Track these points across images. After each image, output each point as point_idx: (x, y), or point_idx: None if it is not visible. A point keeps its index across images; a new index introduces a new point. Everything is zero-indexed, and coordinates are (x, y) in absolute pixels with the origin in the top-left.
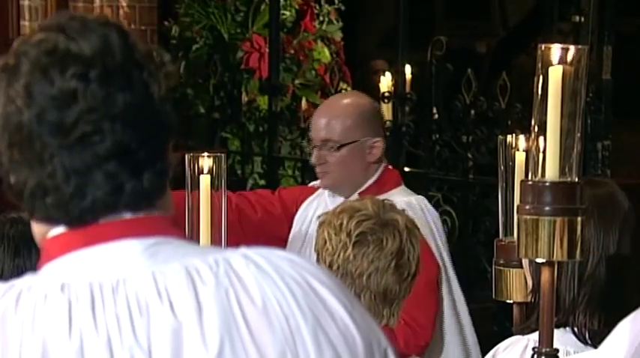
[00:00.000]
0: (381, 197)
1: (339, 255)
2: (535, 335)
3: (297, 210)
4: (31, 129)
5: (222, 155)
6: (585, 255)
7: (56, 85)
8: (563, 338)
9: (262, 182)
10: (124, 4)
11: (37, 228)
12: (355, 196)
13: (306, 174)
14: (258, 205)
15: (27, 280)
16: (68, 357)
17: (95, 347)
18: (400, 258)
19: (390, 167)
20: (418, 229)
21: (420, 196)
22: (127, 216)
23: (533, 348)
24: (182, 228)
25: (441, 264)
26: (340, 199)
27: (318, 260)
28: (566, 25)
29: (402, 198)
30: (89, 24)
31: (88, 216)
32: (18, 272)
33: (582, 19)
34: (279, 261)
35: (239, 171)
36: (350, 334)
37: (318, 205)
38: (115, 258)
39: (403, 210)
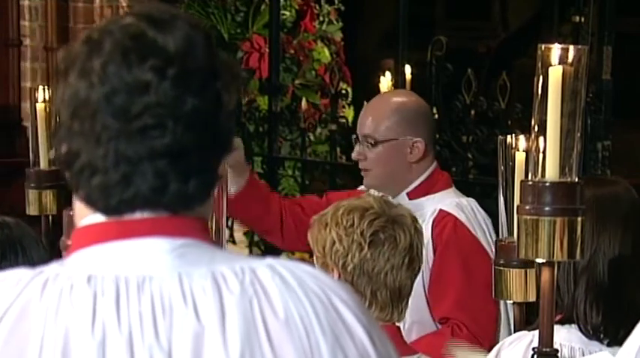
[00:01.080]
0: (431, 197)
1: (354, 256)
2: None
3: None
4: (97, 108)
5: None
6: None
7: (133, 71)
8: (568, 335)
9: (262, 182)
10: (124, 4)
11: (78, 210)
12: (404, 196)
13: (306, 174)
14: (310, 210)
15: (55, 268)
16: (89, 350)
17: (117, 343)
18: (411, 253)
19: (439, 169)
20: (418, 221)
21: (470, 198)
22: (162, 214)
23: (533, 348)
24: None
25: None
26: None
27: (318, 261)
28: (567, 25)
29: (452, 198)
30: (179, 21)
31: (126, 208)
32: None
33: (582, 19)
34: (303, 276)
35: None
36: (367, 356)
37: None
38: (143, 254)
39: (399, 205)
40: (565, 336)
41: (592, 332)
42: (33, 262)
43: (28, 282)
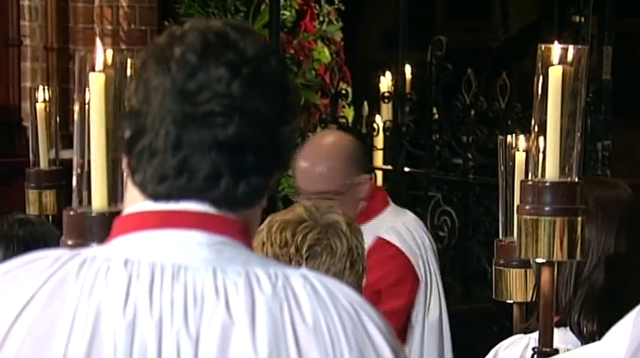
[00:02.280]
0: (370, 224)
1: None
2: (536, 334)
3: None
4: (168, 91)
5: None
6: (585, 255)
7: (209, 63)
8: (564, 338)
9: None
10: (124, 4)
11: (129, 195)
12: None
13: None
14: None
15: (93, 250)
16: (119, 329)
17: (146, 326)
18: (352, 257)
19: (374, 187)
20: (355, 221)
21: (406, 217)
22: (206, 208)
23: (533, 348)
24: (251, 240)
25: (427, 278)
26: None
27: None
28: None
29: (389, 223)
30: (258, 36)
31: (174, 196)
32: None
33: (582, 20)
34: (334, 290)
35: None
36: None
37: None
38: (181, 244)
39: (331, 208)
40: (561, 339)
41: (588, 338)
42: None
43: (66, 261)
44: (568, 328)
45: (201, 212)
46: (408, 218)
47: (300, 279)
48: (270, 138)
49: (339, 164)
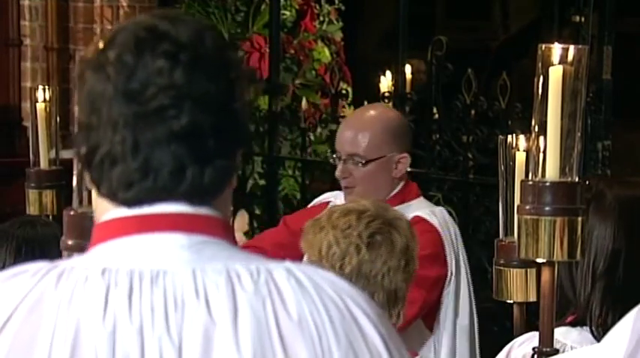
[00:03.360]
0: (406, 205)
1: (351, 258)
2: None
3: None
4: (113, 96)
5: None
6: (602, 251)
7: (146, 58)
8: (579, 338)
9: (262, 182)
10: (124, 4)
11: (99, 207)
12: None
13: (306, 174)
14: (266, 243)
15: (72, 261)
16: (100, 340)
17: (127, 334)
18: (407, 256)
19: (408, 179)
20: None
21: (440, 207)
22: (183, 208)
23: (533, 348)
24: (233, 232)
25: (455, 270)
26: None
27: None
28: (567, 25)
29: (425, 208)
30: (188, 18)
31: (146, 198)
32: None
33: (582, 20)
34: (320, 281)
35: (239, 171)
36: None
37: None
38: (160, 249)
39: (394, 209)
40: (576, 338)
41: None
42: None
43: (44, 274)
44: (584, 327)
45: (177, 213)
46: (442, 210)
47: (284, 273)
48: (224, 117)
49: (376, 132)
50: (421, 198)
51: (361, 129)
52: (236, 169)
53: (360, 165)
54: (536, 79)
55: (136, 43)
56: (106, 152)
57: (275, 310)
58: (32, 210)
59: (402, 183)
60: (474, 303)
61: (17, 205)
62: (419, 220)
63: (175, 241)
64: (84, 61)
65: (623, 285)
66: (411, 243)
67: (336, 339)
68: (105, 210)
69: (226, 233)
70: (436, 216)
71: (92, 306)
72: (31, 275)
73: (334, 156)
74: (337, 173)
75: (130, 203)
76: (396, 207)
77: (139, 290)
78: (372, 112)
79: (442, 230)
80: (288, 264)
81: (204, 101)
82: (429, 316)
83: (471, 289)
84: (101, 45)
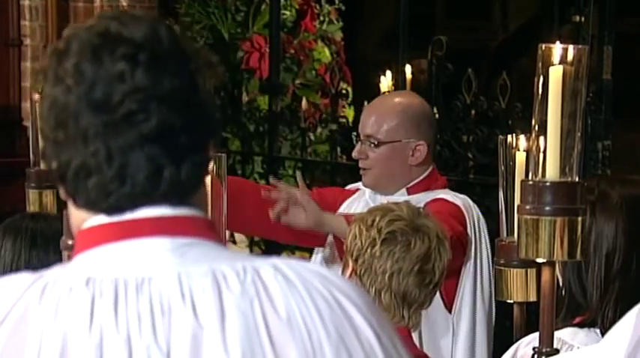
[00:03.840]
0: (431, 193)
1: (366, 251)
2: (559, 332)
3: (337, 210)
4: (78, 107)
5: (223, 155)
6: (614, 251)
7: (105, 64)
8: (586, 339)
9: (262, 182)
10: (124, 4)
11: (75, 218)
12: (403, 192)
13: (307, 173)
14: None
15: (55, 272)
16: (87, 352)
17: (114, 344)
18: (425, 264)
19: (437, 172)
20: (448, 241)
21: (464, 195)
22: (165, 211)
23: (534, 348)
24: (218, 231)
25: (474, 253)
26: (380, 200)
27: (345, 257)
28: (567, 25)
29: (448, 194)
30: (140, 16)
31: (127, 204)
32: (34, 262)
33: (582, 19)
34: (308, 275)
35: (239, 171)
36: (374, 356)
37: (357, 206)
38: (144, 254)
39: (431, 218)
40: (583, 340)
41: None
42: (38, 258)
43: (28, 287)
44: (592, 328)
45: (159, 216)
46: (466, 197)
47: (271, 270)
48: (192, 112)
49: (394, 116)
50: (447, 190)
51: (380, 112)
52: (209, 161)
53: (373, 146)
54: (536, 79)
55: (92, 50)
56: (80, 165)
57: (263, 310)
58: (32, 209)
59: (427, 171)
60: (493, 288)
61: (17, 205)
62: (440, 199)
63: (159, 245)
64: (40, 74)
65: (638, 283)
66: (434, 253)
67: (326, 334)
68: (83, 220)
69: (209, 231)
70: (459, 198)
71: (78, 318)
72: (14, 289)
73: (357, 138)
74: (354, 153)
75: (110, 211)
76: (420, 194)
77: (125, 299)
78: (396, 98)
79: (465, 210)
80: (275, 260)
81: (170, 99)
82: (448, 295)
83: (492, 274)
84: (55, 55)
